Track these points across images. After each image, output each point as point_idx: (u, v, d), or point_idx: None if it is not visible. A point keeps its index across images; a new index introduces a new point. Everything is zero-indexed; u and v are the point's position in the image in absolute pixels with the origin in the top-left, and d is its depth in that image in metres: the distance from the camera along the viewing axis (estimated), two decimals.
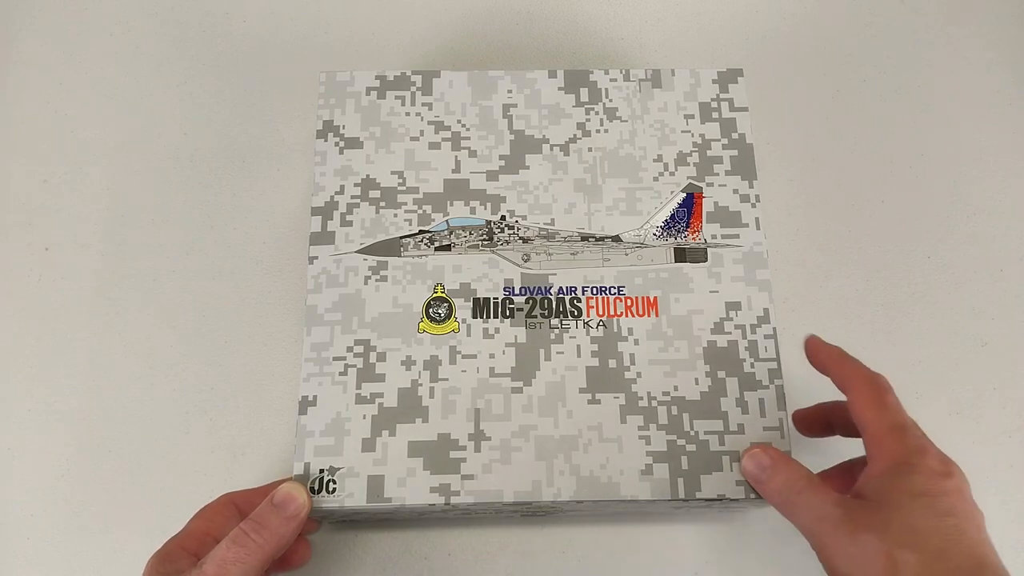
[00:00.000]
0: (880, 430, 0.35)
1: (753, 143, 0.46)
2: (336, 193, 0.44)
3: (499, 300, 0.43)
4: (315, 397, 0.41)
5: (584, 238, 0.44)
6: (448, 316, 0.42)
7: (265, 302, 0.50)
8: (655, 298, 0.43)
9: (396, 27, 0.58)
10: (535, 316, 0.42)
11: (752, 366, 0.42)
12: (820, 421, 0.42)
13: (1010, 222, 0.53)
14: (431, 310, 0.42)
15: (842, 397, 0.38)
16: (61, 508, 0.46)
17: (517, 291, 0.43)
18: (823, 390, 0.48)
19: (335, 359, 0.41)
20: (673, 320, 0.42)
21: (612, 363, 0.41)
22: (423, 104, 0.46)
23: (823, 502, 0.33)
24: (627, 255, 0.44)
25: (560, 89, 0.47)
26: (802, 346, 0.40)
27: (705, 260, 0.44)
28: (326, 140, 0.46)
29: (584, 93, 0.47)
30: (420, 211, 0.44)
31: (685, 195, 0.45)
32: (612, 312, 0.42)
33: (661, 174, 0.45)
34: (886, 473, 0.33)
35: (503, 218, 0.44)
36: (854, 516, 0.32)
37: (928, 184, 0.54)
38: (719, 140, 0.46)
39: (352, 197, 0.44)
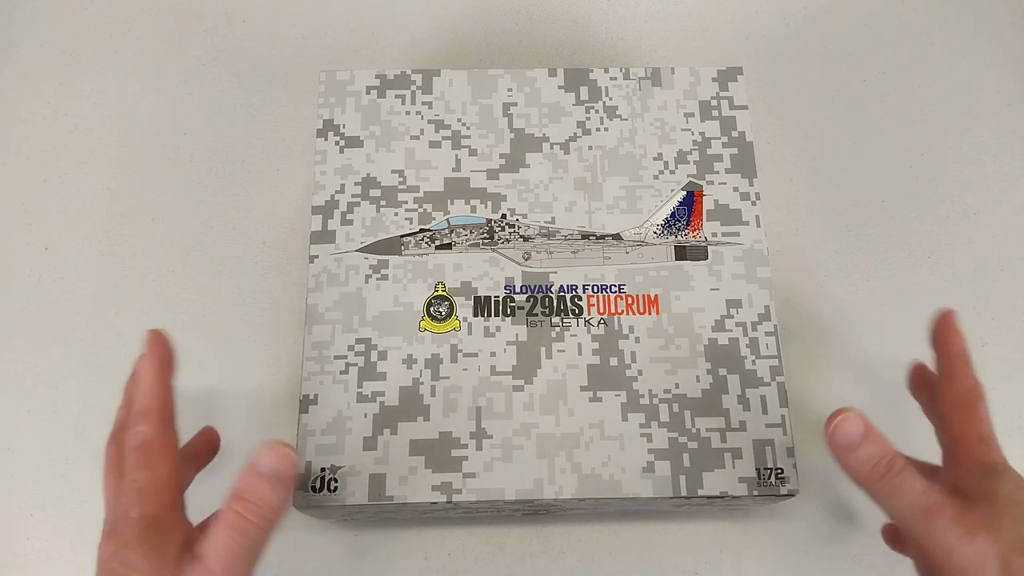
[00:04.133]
0: (968, 434, 0.36)
1: (753, 141, 0.46)
2: (336, 192, 0.44)
3: (500, 298, 0.42)
4: (316, 396, 0.40)
5: (585, 236, 0.44)
6: (449, 315, 0.42)
7: (265, 302, 0.50)
8: (656, 296, 0.43)
9: (396, 27, 0.58)
10: (536, 314, 0.42)
11: (753, 363, 0.41)
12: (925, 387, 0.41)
13: (1010, 222, 0.53)
14: (432, 308, 0.42)
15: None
16: (61, 508, 0.46)
17: (518, 289, 0.43)
18: (824, 389, 0.48)
19: (336, 358, 0.41)
20: (674, 318, 0.42)
21: (613, 361, 0.41)
22: (423, 103, 0.46)
23: (929, 490, 0.34)
24: (628, 253, 0.44)
25: (560, 88, 0.47)
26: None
27: (706, 258, 0.44)
28: (326, 139, 0.46)
29: (584, 91, 0.47)
30: (421, 210, 0.44)
31: (685, 193, 0.45)
32: (613, 310, 0.42)
33: (661, 172, 0.45)
34: (978, 473, 0.35)
35: (504, 216, 0.44)
36: (968, 514, 0.33)
37: (928, 184, 0.54)
38: (719, 138, 0.46)
39: (353, 196, 0.44)
